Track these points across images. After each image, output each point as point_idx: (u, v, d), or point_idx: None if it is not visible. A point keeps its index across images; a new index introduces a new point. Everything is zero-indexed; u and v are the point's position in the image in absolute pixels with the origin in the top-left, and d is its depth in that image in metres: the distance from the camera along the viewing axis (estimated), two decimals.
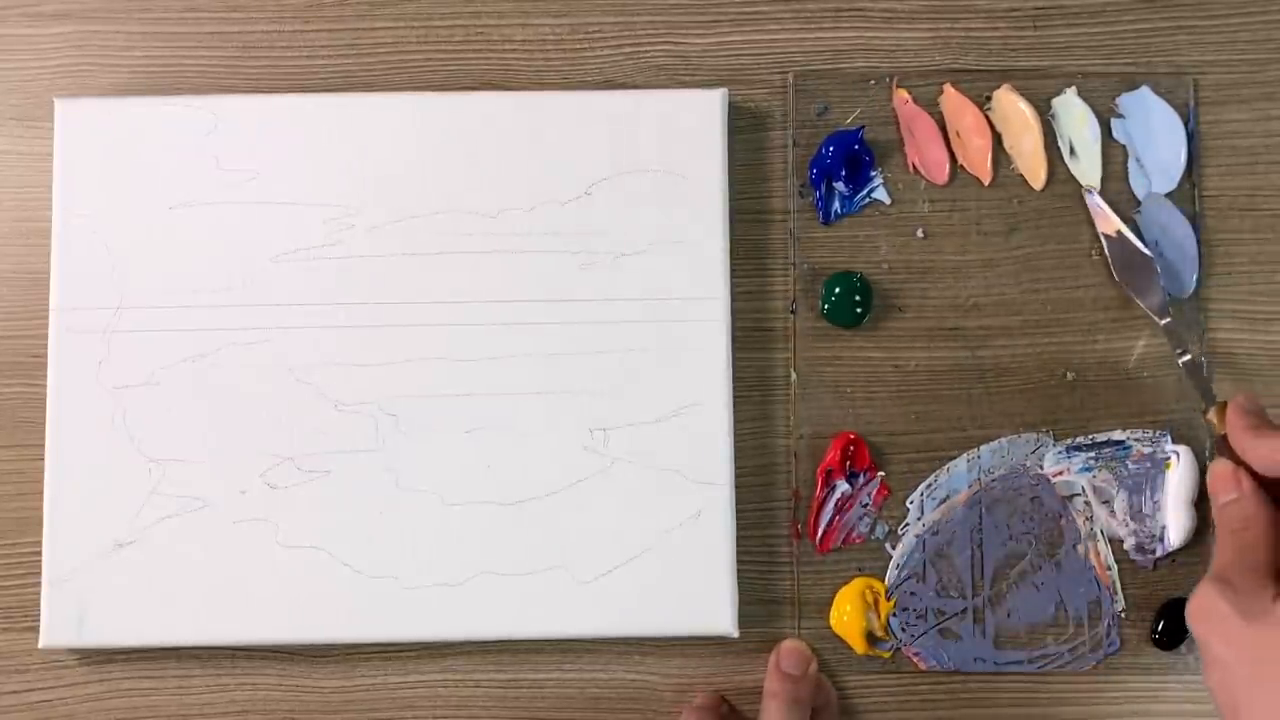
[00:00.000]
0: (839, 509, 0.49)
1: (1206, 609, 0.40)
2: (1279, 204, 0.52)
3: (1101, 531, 0.50)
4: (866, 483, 0.49)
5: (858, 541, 0.50)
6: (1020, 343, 0.50)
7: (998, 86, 0.51)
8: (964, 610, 0.49)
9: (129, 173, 0.48)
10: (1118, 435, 0.50)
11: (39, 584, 0.47)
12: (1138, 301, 0.49)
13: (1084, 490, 0.50)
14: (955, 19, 0.52)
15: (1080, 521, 0.50)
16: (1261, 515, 0.41)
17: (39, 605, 0.46)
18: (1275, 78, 0.52)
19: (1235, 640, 0.39)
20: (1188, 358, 0.48)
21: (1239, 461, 0.43)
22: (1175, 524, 0.49)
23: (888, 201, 0.51)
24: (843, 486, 0.49)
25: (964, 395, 0.50)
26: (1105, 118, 0.51)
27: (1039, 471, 0.50)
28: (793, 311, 0.51)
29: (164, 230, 0.48)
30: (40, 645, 0.46)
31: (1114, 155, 0.51)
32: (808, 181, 0.51)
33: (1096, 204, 0.48)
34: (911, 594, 0.49)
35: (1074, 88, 0.51)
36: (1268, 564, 0.40)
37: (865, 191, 0.51)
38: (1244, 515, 0.41)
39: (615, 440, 0.48)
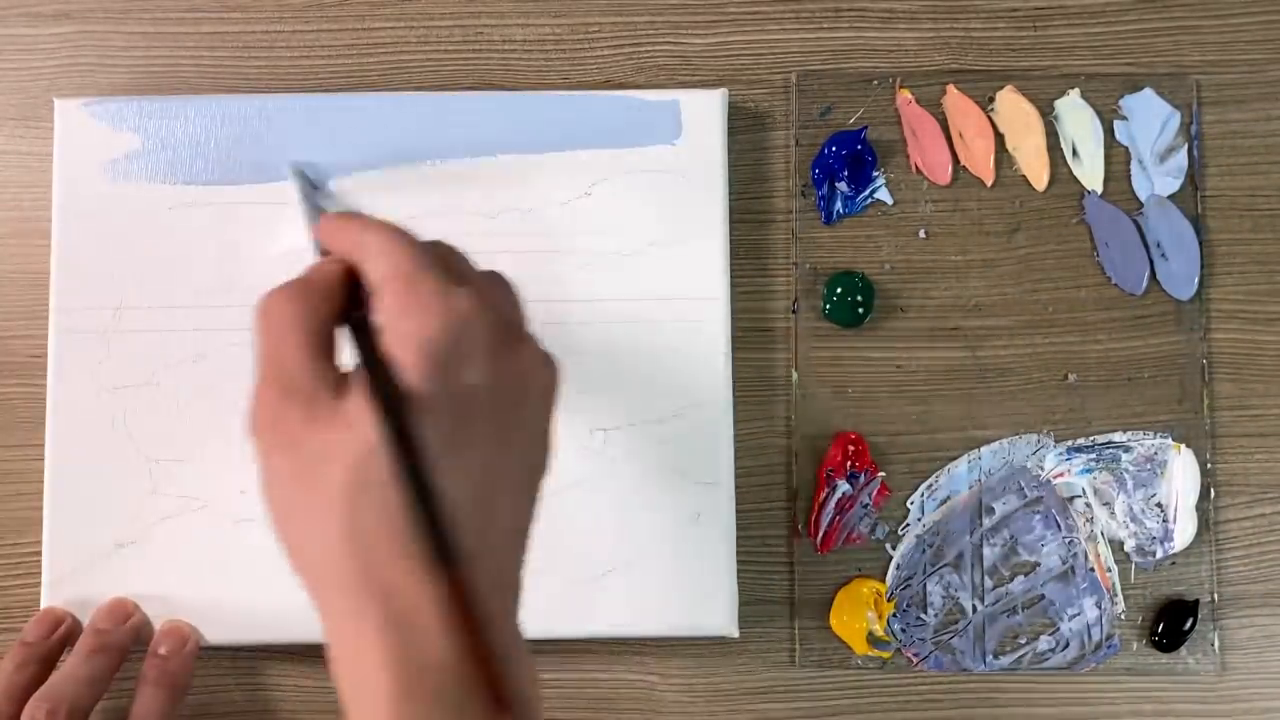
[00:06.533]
0: (839, 509, 0.49)
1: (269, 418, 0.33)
2: (1279, 204, 0.52)
3: (1102, 533, 0.50)
4: (867, 483, 0.49)
5: (858, 542, 0.50)
6: (1021, 343, 0.50)
7: (1001, 88, 0.51)
8: (964, 612, 0.49)
9: (129, 173, 0.48)
10: (1118, 436, 0.50)
11: (39, 584, 0.47)
12: None
13: (1085, 492, 0.50)
14: (955, 19, 0.52)
15: (1081, 523, 0.50)
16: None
17: (39, 605, 0.46)
18: (1276, 78, 0.52)
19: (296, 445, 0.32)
20: None
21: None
22: (1176, 525, 0.49)
23: (890, 202, 0.51)
24: (843, 487, 0.49)
25: (965, 396, 0.50)
26: (1108, 119, 0.51)
27: (1039, 473, 0.50)
28: (794, 311, 0.51)
29: (164, 230, 0.48)
30: None
31: (1116, 157, 0.51)
32: (810, 181, 0.51)
33: None
34: (911, 595, 0.49)
35: (1077, 89, 0.51)
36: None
37: (868, 192, 0.51)
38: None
39: (615, 440, 0.48)
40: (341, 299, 0.34)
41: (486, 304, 0.33)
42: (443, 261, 0.34)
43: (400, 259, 0.33)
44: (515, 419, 0.33)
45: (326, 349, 0.33)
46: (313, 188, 0.47)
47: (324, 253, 0.36)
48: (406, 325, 0.31)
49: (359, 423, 0.30)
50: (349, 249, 0.35)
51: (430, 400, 0.31)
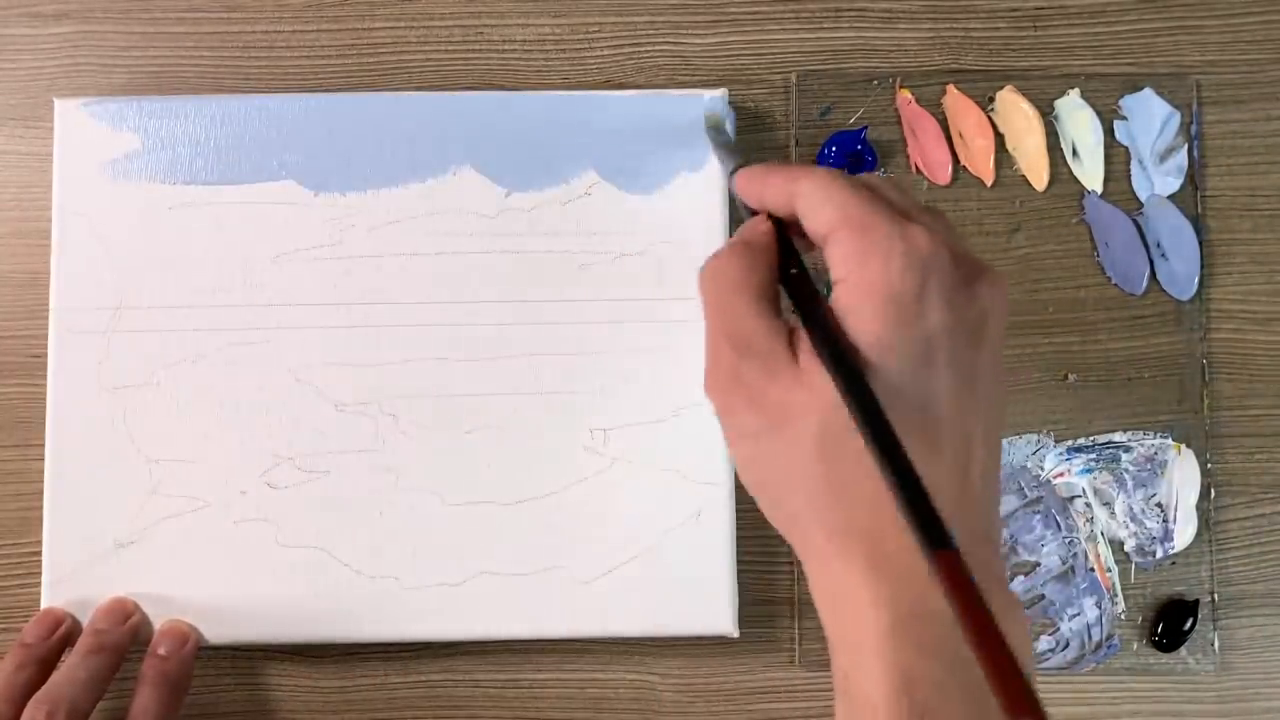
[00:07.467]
0: None
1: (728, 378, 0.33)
2: (1279, 204, 0.52)
3: (1102, 533, 0.50)
4: None
5: None
6: (1021, 343, 0.50)
7: (1001, 88, 0.51)
8: None
9: (129, 173, 0.48)
10: (1118, 436, 0.50)
11: (39, 584, 0.47)
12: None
13: (1085, 492, 0.50)
14: (955, 19, 0.52)
15: (1081, 523, 0.50)
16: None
17: (39, 605, 0.46)
18: (1276, 78, 0.52)
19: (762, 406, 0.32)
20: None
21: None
22: (1176, 525, 0.49)
23: None
24: None
25: None
26: (1108, 119, 0.51)
27: (1039, 473, 0.50)
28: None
29: (164, 230, 0.48)
30: None
31: (1116, 157, 0.51)
32: None
33: None
34: None
35: (1077, 89, 0.51)
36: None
37: None
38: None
39: (615, 440, 0.48)
40: (776, 256, 0.34)
41: (941, 239, 0.31)
42: (886, 200, 0.32)
43: (845, 204, 0.31)
44: (974, 357, 0.31)
45: (774, 306, 0.33)
46: (726, 136, 0.46)
47: (749, 210, 0.36)
48: (868, 274, 0.30)
49: (817, 380, 0.30)
50: (781, 202, 0.34)
51: (895, 348, 0.30)
